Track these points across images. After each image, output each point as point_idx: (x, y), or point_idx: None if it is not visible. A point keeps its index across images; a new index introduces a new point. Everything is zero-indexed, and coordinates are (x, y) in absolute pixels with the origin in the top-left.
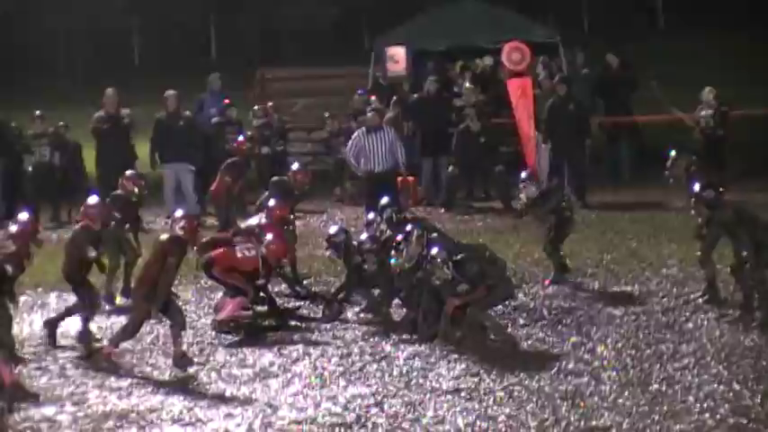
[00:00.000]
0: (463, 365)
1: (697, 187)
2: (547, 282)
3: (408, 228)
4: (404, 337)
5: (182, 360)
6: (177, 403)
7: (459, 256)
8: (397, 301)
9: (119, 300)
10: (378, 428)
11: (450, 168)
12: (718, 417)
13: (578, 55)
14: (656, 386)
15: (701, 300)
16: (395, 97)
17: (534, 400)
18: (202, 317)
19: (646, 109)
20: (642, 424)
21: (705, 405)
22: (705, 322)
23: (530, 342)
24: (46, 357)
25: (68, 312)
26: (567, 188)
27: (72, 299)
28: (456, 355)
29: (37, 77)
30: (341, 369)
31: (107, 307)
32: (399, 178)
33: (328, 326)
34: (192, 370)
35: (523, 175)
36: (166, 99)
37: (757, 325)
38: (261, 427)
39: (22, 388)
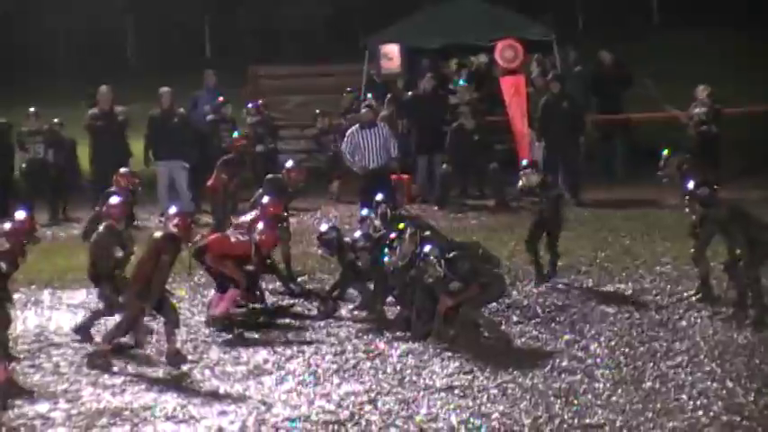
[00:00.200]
0: (457, 363)
1: (691, 185)
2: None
3: (402, 225)
4: (397, 334)
5: (175, 357)
6: (171, 400)
7: (451, 254)
8: (390, 298)
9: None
10: (371, 426)
11: (444, 166)
12: (711, 414)
13: (571, 53)
14: (649, 384)
15: (694, 298)
16: (389, 95)
17: (528, 397)
18: (196, 314)
19: (639, 106)
20: (635, 421)
21: (698, 403)
22: (698, 320)
23: (523, 340)
24: (39, 355)
25: (96, 315)
26: (561, 186)
27: (66, 296)
28: (449, 353)
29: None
30: (335, 366)
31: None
32: (393, 176)
33: (322, 323)
34: (185, 367)
35: (524, 162)
36: (161, 96)
37: (750, 323)
38: (254, 425)
39: (16, 385)
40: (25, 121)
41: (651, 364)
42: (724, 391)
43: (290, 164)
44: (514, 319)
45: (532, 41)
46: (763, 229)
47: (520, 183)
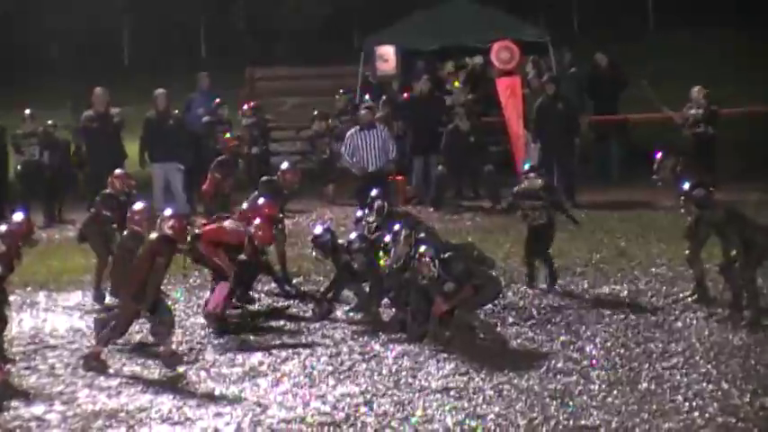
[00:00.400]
0: (452, 364)
1: (687, 186)
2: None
3: (396, 225)
4: (393, 336)
5: (171, 359)
6: (166, 402)
7: (446, 255)
8: (385, 300)
9: (108, 299)
10: (367, 427)
11: (440, 167)
12: (706, 416)
13: (566, 54)
14: (645, 385)
15: (689, 299)
16: (384, 97)
17: (523, 398)
18: (191, 316)
19: (634, 108)
20: (631, 423)
21: (694, 404)
22: (694, 321)
23: (519, 341)
24: (35, 356)
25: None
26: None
27: (61, 298)
28: (445, 355)
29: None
30: (330, 368)
31: (96, 306)
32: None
33: (317, 325)
34: (181, 369)
35: (527, 166)
36: (156, 98)
37: (746, 324)
38: (250, 426)
39: (12, 387)
40: (21, 124)
41: (647, 365)
42: (720, 393)
43: (285, 166)
44: (510, 320)
45: (528, 43)
46: (758, 230)
47: (523, 185)
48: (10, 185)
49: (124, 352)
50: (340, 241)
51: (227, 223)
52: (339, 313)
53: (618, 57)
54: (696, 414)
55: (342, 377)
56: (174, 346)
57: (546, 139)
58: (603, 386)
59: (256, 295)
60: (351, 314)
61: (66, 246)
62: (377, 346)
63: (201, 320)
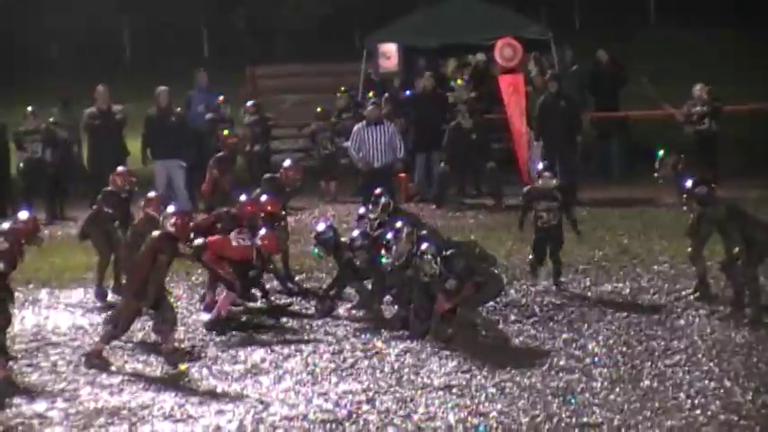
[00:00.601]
0: (455, 362)
1: (689, 183)
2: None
3: (398, 223)
4: (395, 333)
5: (173, 356)
6: (169, 399)
7: (447, 252)
8: (388, 297)
9: (110, 297)
10: (369, 425)
11: (442, 165)
12: (708, 413)
13: (567, 52)
14: (647, 383)
15: (692, 296)
16: (386, 94)
17: (526, 396)
18: (194, 313)
19: (635, 105)
20: (633, 420)
21: (696, 401)
22: (696, 319)
23: (521, 339)
24: (37, 354)
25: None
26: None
27: (63, 296)
28: (447, 352)
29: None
30: (332, 365)
31: (98, 303)
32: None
33: (320, 322)
34: (183, 366)
35: (541, 165)
36: (158, 95)
37: (748, 322)
38: (252, 424)
39: (14, 384)
40: (23, 121)
41: (649, 362)
42: (722, 390)
43: (287, 163)
44: (512, 317)
45: (530, 40)
46: (760, 227)
47: (536, 185)
48: (12, 183)
49: (126, 349)
50: (342, 239)
51: (232, 237)
52: (341, 310)
53: (619, 55)
54: (698, 412)
55: (344, 374)
56: (176, 344)
57: (548, 136)
58: (606, 384)
59: (258, 293)
60: (353, 311)
61: (68, 243)
62: (379, 344)
63: (204, 318)
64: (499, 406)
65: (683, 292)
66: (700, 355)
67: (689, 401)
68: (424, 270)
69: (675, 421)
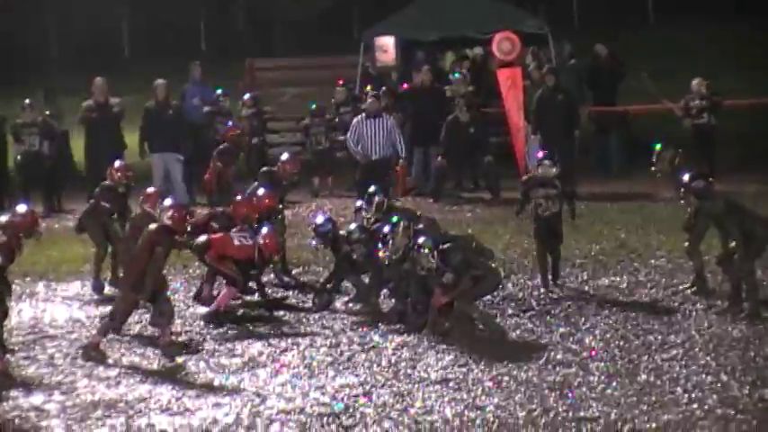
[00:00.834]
0: (451, 356)
1: (686, 178)
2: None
3: (395, 218)
4: (392, 327)
5: (171, 348)
6: (166, 392)
7: (444, 246)
8: (385, 291)
9: (107, 289)
10: (366, 418)
11: (439, 159)
12: (705, 407)
13: (566, 46)
14: (644, 377)
15: (689, 291)
16: (384, 87)
17: (522, 390)
18: (191, 306)
19: (634, 100)
20: (630, 414)
21: (693, 396)
22: (693, 313)
23: (518, 332)
24: (34, 347)
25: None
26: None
27: (60, 288)
28: (444, 346)
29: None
30: (329, 359)
31: (95, 296)
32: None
33: (317, 316)
34: (180, 359)
35: (541, 154)
36: (156, 88)
37: (745, 316)
38: (249, 417)
39: (11, 377)
40: (20, 113)
41: (646, 356)
42: (719, 385)
43: (284, 157)
44: (509, 311)
45: (528, 34)
46: (757, 222)
47: (536, 173)
48: (10, 176)
49: (123, 342)
50: (341, 232)
51: (234, 236)
52: (338, 304)
53: (618, 49)
54: (695, 406)
55: (341, 368)
56: (173, 337)
57: (546, 130)
58: (602, 378)
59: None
60: (350, 305)
61: (65, 236)
62: (376, 337)
63: (201, 311)
64: (496, 400)
65: (681, 287)
66: (697, 350)
67: (686, 395)
68: (421, 264)
69: (672, 415)
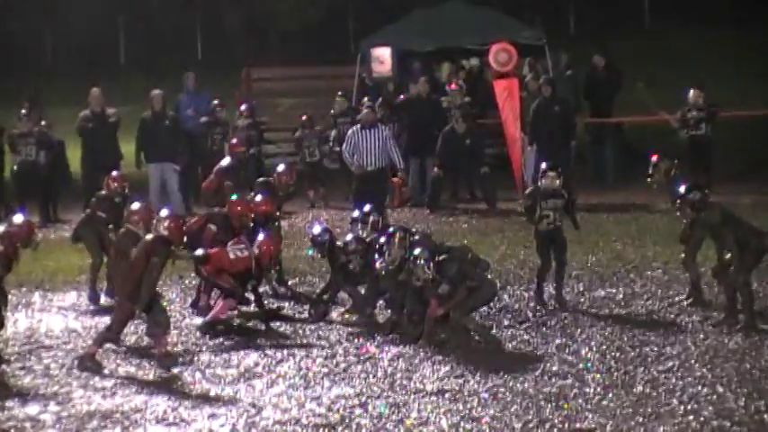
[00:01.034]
0: (448, 367)
1: (682, 189)
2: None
3: (391, 228)
4: (388, 338)
5: (166, 359)
6: (161, 403)
7: (440, 257)
8: (381, 302)
9: (103, 300)
10: (362, 429)
11: (435, 169)
12: (701, 419)
13: (562, 56)
14: (640, 388)
15: (685, 302)
16: (380, 98)
17: (518, 401)
18: (187, 317)
19: (630, 110)
20: (626, 426)
21: (689, 407)
22: (689, 325)
23: (514, 344)
24: (30, 357)
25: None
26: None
27: (56, 298)
28: (440, 357)
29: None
30: (325, 370)
31: (91, 306)
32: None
33: (313, 326)
34: (176, 370)
35: (544, 165)
36: (152, 99)
37: (741, 328)
38: (245, 428)
39: (7, 387)
40: (17, 123)
41: (642, 368)
42: (714, 396)
43: (281, 168)
44: (505, 323)
45: (524, 45)
46: (753, 233)
47: (541, 184)
48: (6, 186)
49: (119, 352)
50: (338, 243)
51: (229, 249)
52: (334, 315)
53: (613, 58)
54: (691, 417)
55: (337, 379)
56: (169, 347)
57: (543, 141)
58: (598, 389)
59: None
60: (346, 316)
61: (61, 246)
62: (372, 348)
63: (197, 321)
64: (492, 411)
65: (677, 298)
66: (693, 361)
67: (682, 407)
68: (417, 275)
69: (668, 427)
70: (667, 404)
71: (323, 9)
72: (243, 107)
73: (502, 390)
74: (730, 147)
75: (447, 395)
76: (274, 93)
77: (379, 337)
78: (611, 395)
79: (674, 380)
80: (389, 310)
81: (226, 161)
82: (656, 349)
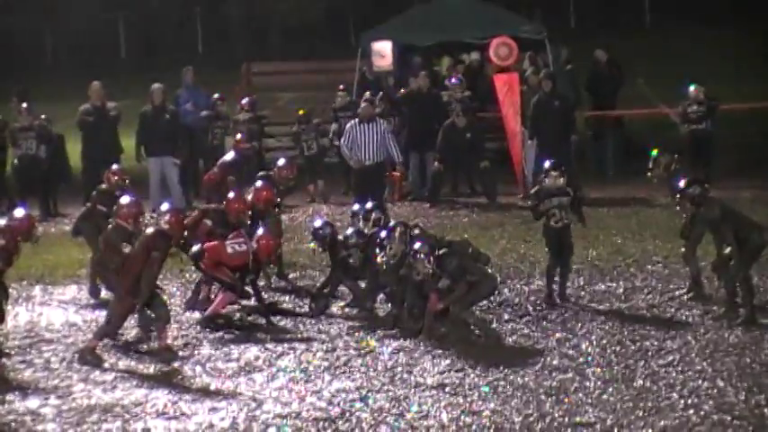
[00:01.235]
0: (448, 361)
1: (682, 183)
2: None
3: (392, 223)
4: (388, 332)
5: (166, 353)
6: (162, 397)
7: (440, 252)
8: (381, 296)
9: (103, 294)
10: (362, 423)
11: (436, 164)
12: (702, 413)
13: (562, 51)
14: (640, 382)
15: (685, 296)
16: (381, 92)
17: (519, 395)
18: (187, 311)
19: (631, 105)
20: (626, 420)
21: (689, 401)
22: (689, 319)
23: (514, 338)
24: (30, 351)
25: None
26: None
27: (57, 292)
28: (440, 351)
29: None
30: (326, 363)
31: (92, 300)
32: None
33: (313, 320)
34: (176, 364)
35: (547, 164)
36: (152, 93)
37: (741, 322)
38: (245, 421)
39: (7, 381)
40: (17, 117)
41: (642, 362)
42: (715, 390)
43: (281, 162)
44: (505, 317)
45: (524, 39)
46: (753, 227)
47: (545, 183)
48: (7, 180)
49: (119, 346)
50: (339, 236)
51: (228, 243)
52: (335, 309)
53: (614, 54)
54: (691, 411)
55: (337, 373)
56: (169, 341)
57: (543, 135)
58: (599, 383)
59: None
60: (346, 310)
61: (61, 240)
62: (372, 342)
63: (197, 315)
64: (492, 405)
65: (677, 292)
66: (693, 355)
67: (682, 401)
68: (418, 269)
69: (668, 421)
70: (668, 398)
71: (322, 9)
72: (244, 101)
73: (502, 384)
74: (730, 141)
75: (447, 389)
76: (274, 87)
77: (379, 331)
78: (611, 389)
79: (674, 374)
80: (390, 305)
81: (230, 156)
82: (656, 343)
